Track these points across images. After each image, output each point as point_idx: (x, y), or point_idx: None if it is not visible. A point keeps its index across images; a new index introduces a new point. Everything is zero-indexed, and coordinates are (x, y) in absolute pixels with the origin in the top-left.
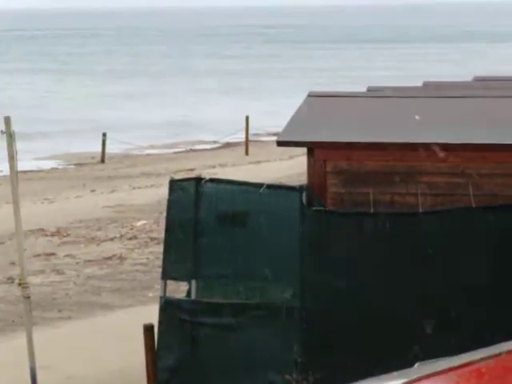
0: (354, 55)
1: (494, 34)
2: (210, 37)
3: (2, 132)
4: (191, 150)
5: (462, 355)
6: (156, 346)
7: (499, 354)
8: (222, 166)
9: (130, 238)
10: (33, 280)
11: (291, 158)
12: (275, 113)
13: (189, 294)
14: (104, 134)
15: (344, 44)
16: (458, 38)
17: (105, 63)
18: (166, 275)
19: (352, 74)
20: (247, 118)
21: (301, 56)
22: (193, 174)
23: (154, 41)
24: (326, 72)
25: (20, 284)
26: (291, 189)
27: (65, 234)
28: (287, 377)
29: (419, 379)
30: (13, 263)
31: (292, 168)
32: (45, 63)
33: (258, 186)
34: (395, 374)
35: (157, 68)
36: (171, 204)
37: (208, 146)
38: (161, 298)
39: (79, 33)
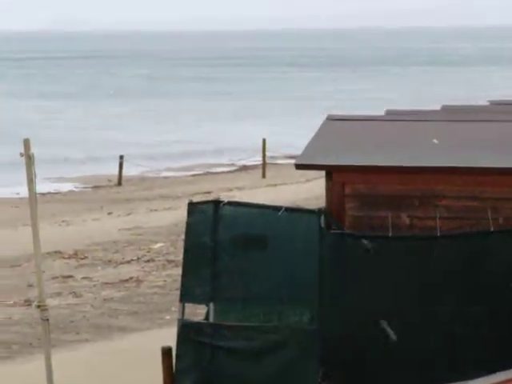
0: (368, 78)
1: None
2: (217, 60)
3: (21, 154)
4: (208, 173)
5: (478, 379)
6: (174, 368)
7: None
8: (239, 188)
9: (147, 261)
10: (50, 302)
11: (308, 180)
12: (291, 135)
13: (207, 316)
14: (121, 157)
15: (356, 67)
16: (473, 61)
17: (116, 85)
18: (184, 298)
19: (366, 96)
20: (264, 141)
21: (313, 79)
22: (210, 197)
23: (161, 64)
24: (341, 94)
25: (39, 306)
26: (310, 212)
27: (82, 257)
28: None
29: None
30: (30, 285)
31: (309, 191)
32: (56, 86)
33: (276, 208)
34: None
35: (169, 90)
36: (189, 226)
37: (225, 169)
38: (179, 320)
39: (80, 56)
